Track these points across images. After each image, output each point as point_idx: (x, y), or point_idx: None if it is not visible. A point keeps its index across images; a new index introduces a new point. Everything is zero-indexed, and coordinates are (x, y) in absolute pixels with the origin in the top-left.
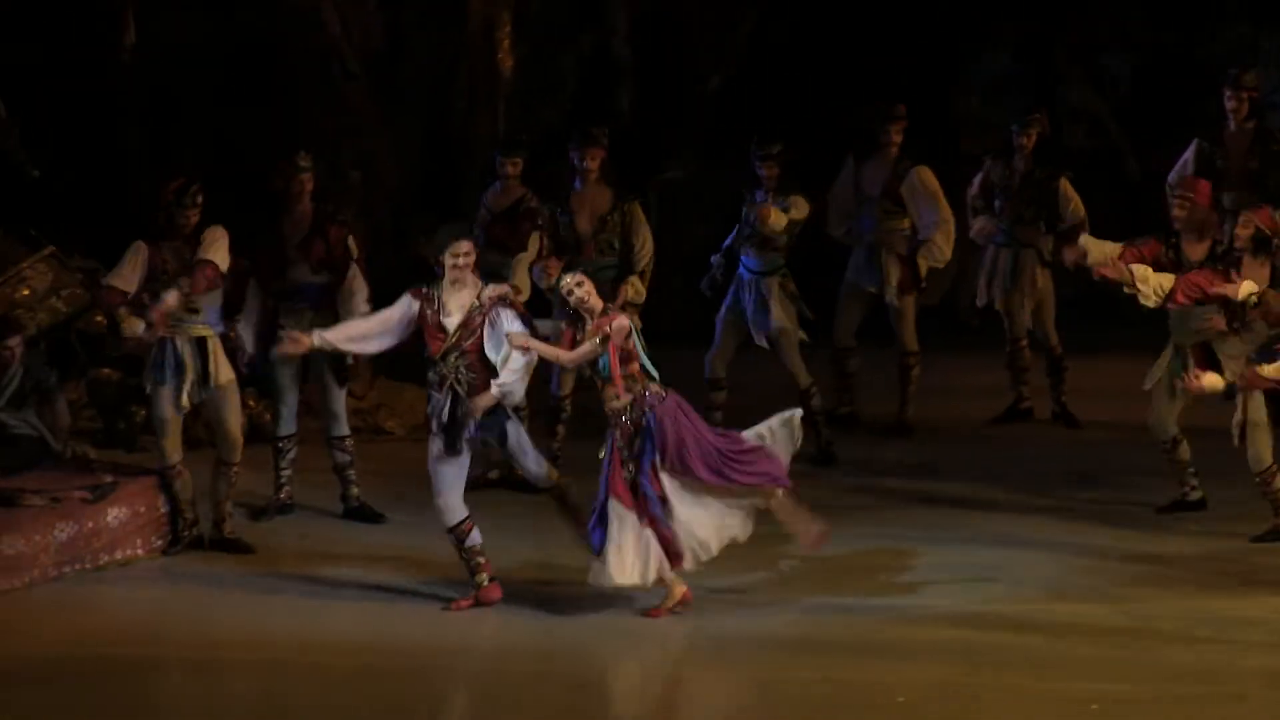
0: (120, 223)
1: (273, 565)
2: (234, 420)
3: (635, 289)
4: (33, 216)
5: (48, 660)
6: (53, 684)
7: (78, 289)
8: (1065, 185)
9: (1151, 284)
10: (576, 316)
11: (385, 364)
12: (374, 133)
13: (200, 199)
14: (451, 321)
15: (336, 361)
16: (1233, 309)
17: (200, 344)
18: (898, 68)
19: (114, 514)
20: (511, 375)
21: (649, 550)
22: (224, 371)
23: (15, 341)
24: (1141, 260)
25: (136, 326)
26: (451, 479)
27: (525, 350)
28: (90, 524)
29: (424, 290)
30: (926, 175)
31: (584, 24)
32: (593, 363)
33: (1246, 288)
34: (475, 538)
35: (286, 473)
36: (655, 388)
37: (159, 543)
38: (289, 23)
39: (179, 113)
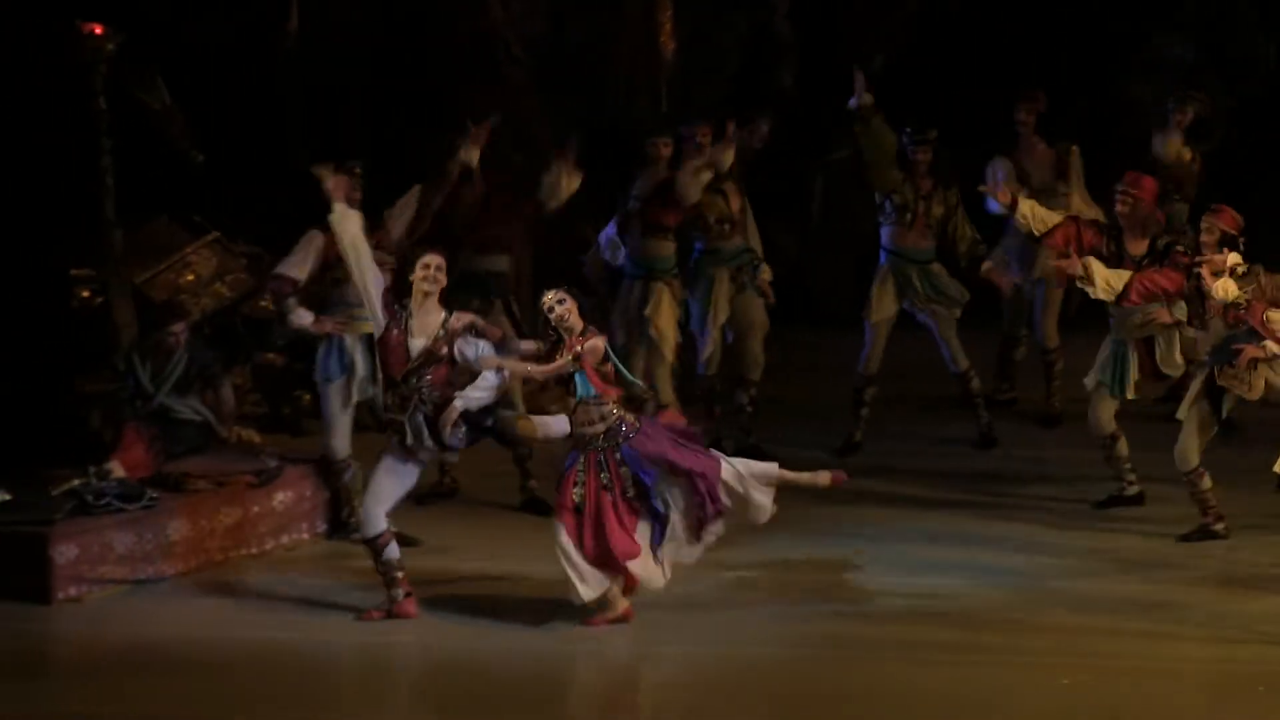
0: (283, 208)
1: (442, 556)
2: None
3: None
4: (197, 203)
5: (212, 642)
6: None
7: (242, 274)
8: (1197, 165)
9: (1100, 279)
10: (557, 336)
11: None
12: (535, 115)
13: (359, 174)
14: (416, 345)
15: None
16: (1194, 307)
17: (369, 340)
18: (1066, 50)
19: (279, 499)
20: (479, 392)
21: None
22: None
23: (180, 327)
24: (1078, 242)
25: (305, 318)
26: (388, 493)
27: (498, 370)
28: (255, 509)
29: (394, 308)
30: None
31: (745, 3)
32: (567, 382)
33: (1226, 287)
34: (393, 551)
35: (451, 459)
36: (630, 419)
37: (323, 527)
38: (451, 6)
39: (342, 98)
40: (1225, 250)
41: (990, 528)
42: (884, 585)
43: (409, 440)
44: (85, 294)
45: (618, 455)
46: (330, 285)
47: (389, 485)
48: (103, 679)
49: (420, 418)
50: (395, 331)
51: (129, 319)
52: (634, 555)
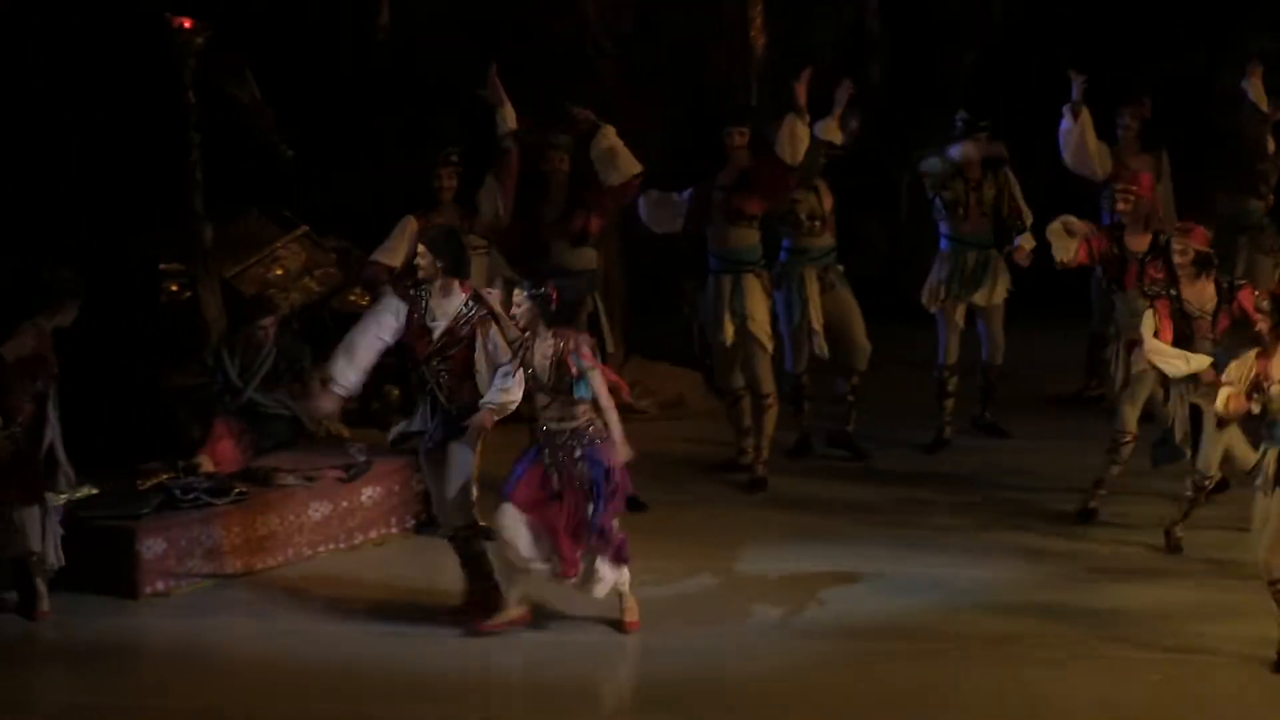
0: (373, 203)
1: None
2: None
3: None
4: (286, 197)
5: (299, 637)
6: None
7: (331, 268)
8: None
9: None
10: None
11: (638, 343)
12: (626, 111)
13: (456, 161)
14: (437, 327)
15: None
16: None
17: None
18: (1157, 44)
19: (368, 493)
20: (507, 396)
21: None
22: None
23: (269, 321)
24: (1090, 252)
25: None
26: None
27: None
28: (344, 503)
29: (410, 291)
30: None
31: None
32: (560, 379)
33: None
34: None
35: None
36: (599, 424)
37: (412, 522)
38: (542, 1)
39: (432, 92)
40: (1190, 280)
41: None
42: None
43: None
44: (174, 288)
45: (577, 453)
46: None
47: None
48: (188, 673)
49: (439, 414)
50: (415, 315)
51: (218, 313)
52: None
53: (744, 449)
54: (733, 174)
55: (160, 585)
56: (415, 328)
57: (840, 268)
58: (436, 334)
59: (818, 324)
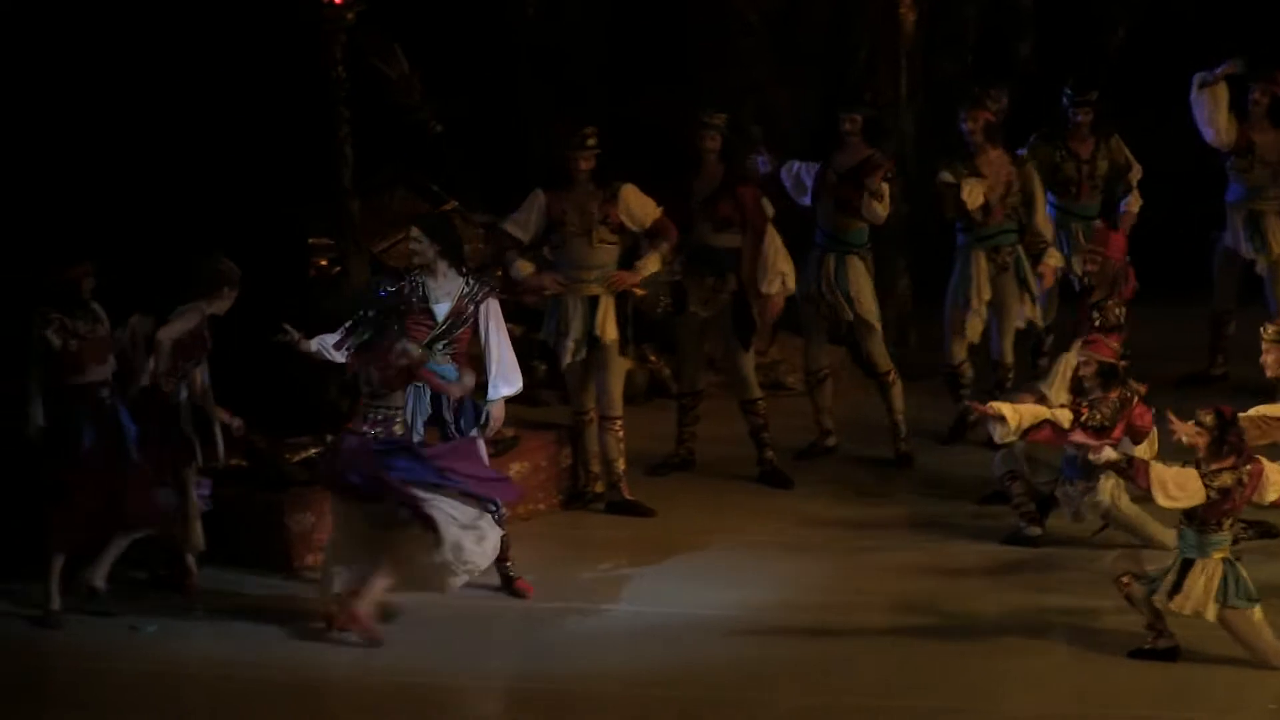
0: (520, 178)
1: (664, 529)
2: (614, 379)
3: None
4: (435, 172)
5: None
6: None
7: (478, 244)
8: None
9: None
10: None
11: (787, 319)
12: (773, 88)
13: (593, 143)
14: (441, 309)
15: (740, 322)
16: None
17: (591, 303)
18: None
19: (516, 469)
20: (510, 387)
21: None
22: (610, 330)
23: None
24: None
25: (527, 267)
26: None
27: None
28: None
29: (404, 278)
30: None
31: None
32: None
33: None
34: None
35: (689, 429)
36: None
37: (560, 497)
38: None
39: (578, 68)
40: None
41: None
42: None
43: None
44: (323, 263)
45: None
46: (555, 246)
47: None
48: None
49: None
50: (415, 300)
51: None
52: None
53: (826, 429)
54: (847, 159)
55: (309, 560)
56: (415, 312)
57: (1054, 260)
58: (441, 316)
59: (980, 300)
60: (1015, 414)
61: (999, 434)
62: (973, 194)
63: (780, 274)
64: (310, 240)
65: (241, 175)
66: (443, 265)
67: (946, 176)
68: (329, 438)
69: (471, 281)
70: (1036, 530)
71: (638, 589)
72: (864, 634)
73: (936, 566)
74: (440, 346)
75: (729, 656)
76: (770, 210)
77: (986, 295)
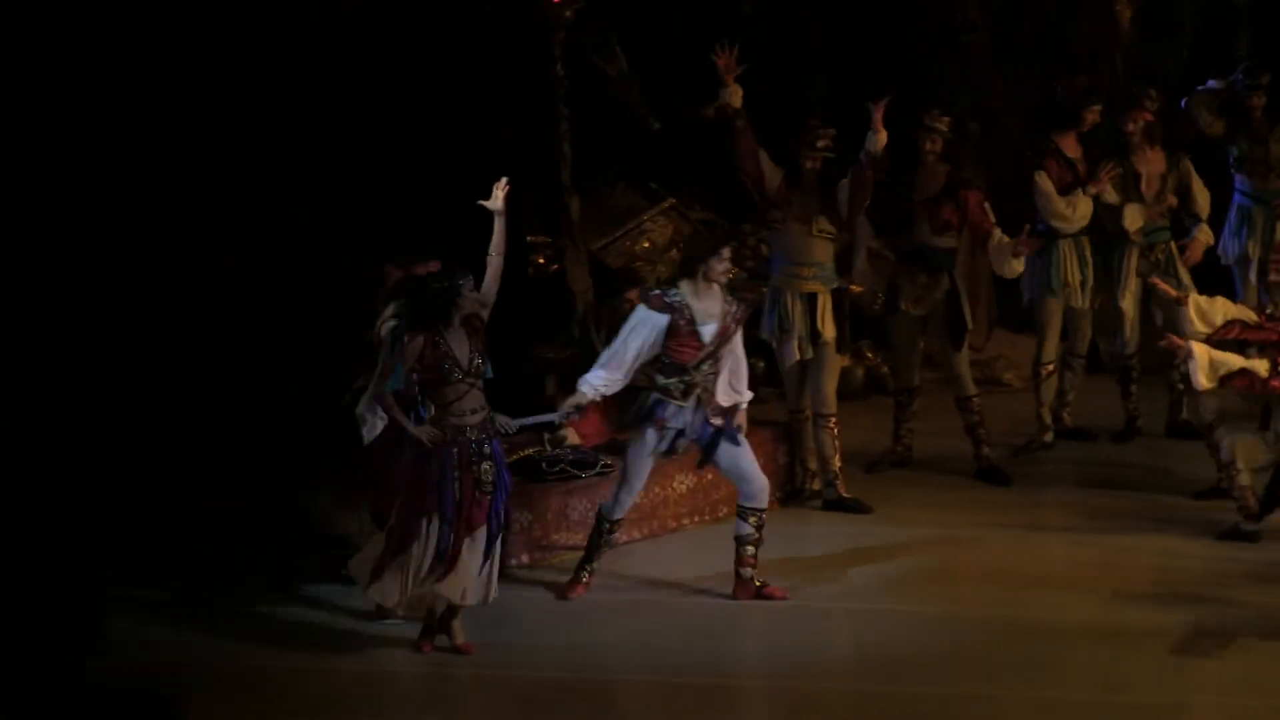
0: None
1: (894, 521)
2: (830, 377)
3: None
4: (654, 169)
5: (663, 604)
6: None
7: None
8: None
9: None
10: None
11: (1005, 315)
12: (994, 85)
13: (823, 144)
14: (707, 331)
15: (953, 321)
16: None
17: (810, 300)
18: None
19: None
20: (744, 397)
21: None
22: (829, 328)
23: (634, 293)
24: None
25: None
26: (644, 477)
27: None
28: (709, 476)
29: (665, 300)
30: None
31: None
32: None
33: None
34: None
35: (906, 425)
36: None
37: (779, 495)
38: None
39: (800, 64)
40: None
41: None
42: None
43: (679, 439)
44: (541, 260)
45: (487, 448)
46: (775, 229)
47: (644, 469)
48: (557, 646)
49: (703, 418)
50: (682, 321)
51: (585, 286)
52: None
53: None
54: (931, 184)
55: (525, 558)
56: (683, 335)
57: (1172, 245)
58: (708, 337)
59: (1126, 296)
60: (1207, 354)
61: (1197, 378)
62: (1133, 219)
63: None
64: (529, 238)
65: (461, 173)
66: (714, 286)
67: (1108, 196)
68: (547, 435)
69: (731, 299)
70: (1253, 526)
71: (854, 586)
72: (1079, 629)
73: (1158, 560)
74: (705, 367)
75: (944, 650)
76: (991, 216)
77: (1133, 284)
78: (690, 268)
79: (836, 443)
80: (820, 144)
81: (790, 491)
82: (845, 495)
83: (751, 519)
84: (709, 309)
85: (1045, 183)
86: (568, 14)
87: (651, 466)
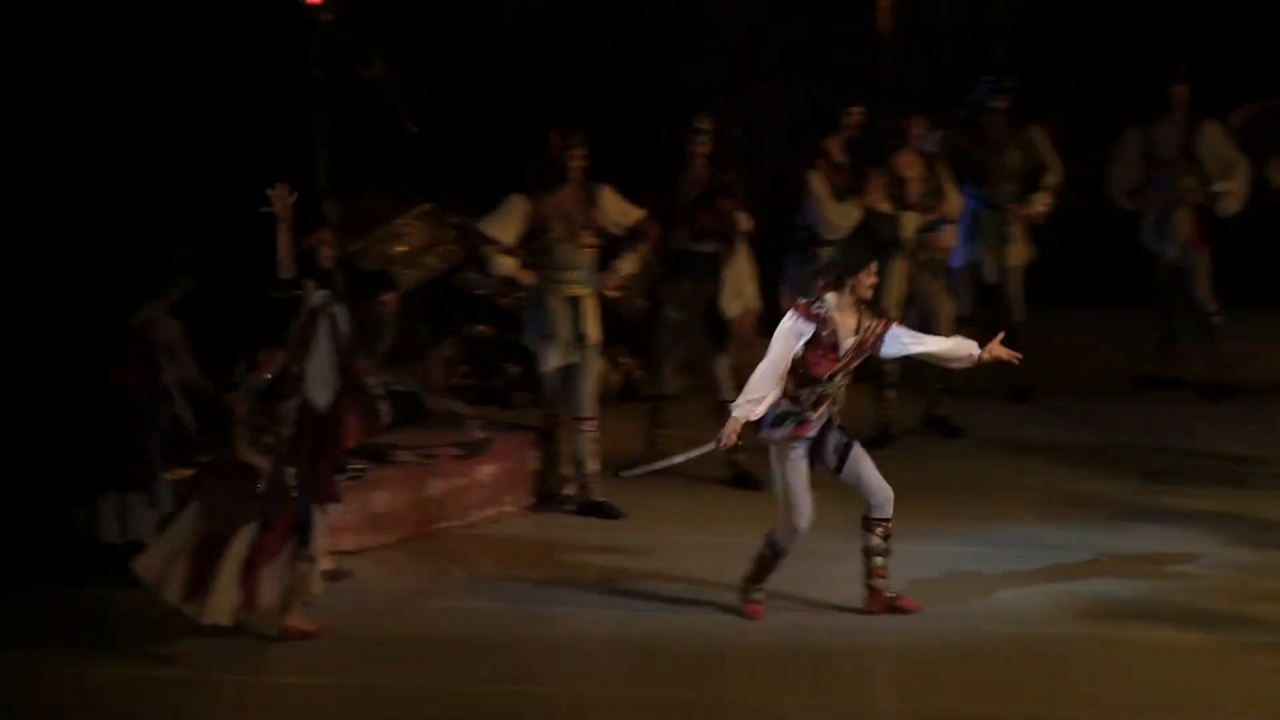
0: (497, 180)
1: (640, 528)
2: (591, 381)
3: None
4: (410, 173)
5: (412, 615)
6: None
7: (452, 245)
8: None
9: None
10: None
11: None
12: (760, 93)
13: (581, 149)
14: (846, 343)
15: (714, 327)
16: None
17: (573, 304)
18: None
19: (486, 470)
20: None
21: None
22: (594, 332)
23: (390, 297)
24: None
25: (508, 264)
26: (807, 494)
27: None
28: (462, 480)
29: (812, 309)
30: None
31: None
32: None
33: None
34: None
35: (659, 431)
36: None
37: (529, 499)
38: None
39: (561, 66)
40: None
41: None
42: None
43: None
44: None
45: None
46: (540, 250)
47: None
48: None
49: (836, 434)
50: (825, 333)
51: (340, 290)
52: None
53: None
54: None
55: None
56: (823, 346)
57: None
58: (845, 349)
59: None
60: None
61: None
62: (909, 226)
63: (740, 295)
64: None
65: (216, 175)
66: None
67: (881, 205)
68: None
69: (868, 313)
70: None
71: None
72: (1094, 639)
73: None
74: (837, 379)
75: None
76: (747, 224)
77: None
78: (839, 281)
79: (594, 446)
80: (574, 162)
81: (543, 495)
82: (598, 499)
83: (878, 530)
84: (849, 322)
85: (819, 185)
86: (325, 17)
87: (807, 475)
